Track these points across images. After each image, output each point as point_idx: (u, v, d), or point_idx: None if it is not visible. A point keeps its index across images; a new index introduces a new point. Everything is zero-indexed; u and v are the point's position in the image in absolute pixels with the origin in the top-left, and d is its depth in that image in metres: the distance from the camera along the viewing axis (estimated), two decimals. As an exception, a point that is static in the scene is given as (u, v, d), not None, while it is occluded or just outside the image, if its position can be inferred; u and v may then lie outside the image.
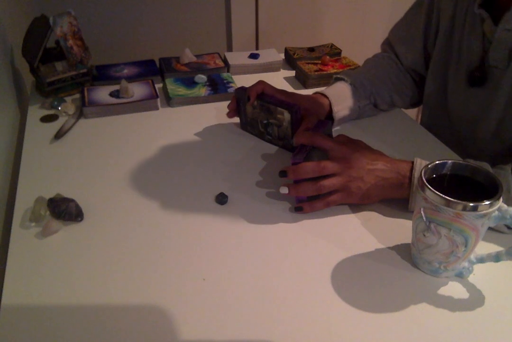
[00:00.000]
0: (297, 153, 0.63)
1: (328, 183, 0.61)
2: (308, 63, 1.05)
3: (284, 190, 0.62)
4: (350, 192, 0.61)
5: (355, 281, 0.53)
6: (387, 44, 0.96)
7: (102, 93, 0.92)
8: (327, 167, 0.60)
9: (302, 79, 1.04)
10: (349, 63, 1.05)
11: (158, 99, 0.91)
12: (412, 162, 0.62)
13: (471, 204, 0.45)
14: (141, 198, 0.66)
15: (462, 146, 0.83)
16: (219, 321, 0.48)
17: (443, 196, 0.46)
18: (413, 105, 0.95)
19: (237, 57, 1.11)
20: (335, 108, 0.82)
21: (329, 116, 0.83)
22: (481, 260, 0.52)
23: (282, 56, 1.17)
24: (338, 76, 0.89)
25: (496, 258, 0.50)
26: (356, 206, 0.64)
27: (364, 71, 0.91)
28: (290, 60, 1.13)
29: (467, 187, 0.51)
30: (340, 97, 0.83)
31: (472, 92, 0.78)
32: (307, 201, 0.63)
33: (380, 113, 0.90)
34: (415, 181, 0.59)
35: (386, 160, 0.63)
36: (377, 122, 0.88)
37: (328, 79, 0.93)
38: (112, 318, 0.48)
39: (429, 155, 0.76)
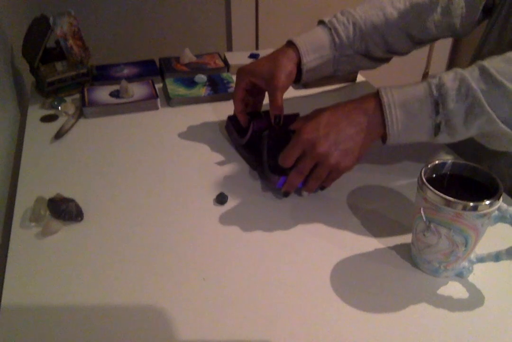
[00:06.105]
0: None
1: (302, 164, 0.61)
2: (308, 63, 1.05)
3: (305, 193, 0.66)
4: (337, 167, 0.60)
5: (355, 280, 0.53)
6: None
7: (102, 93, 0.92)
8: (291, 153, 0.61)
9: (302, 79, 1.03)
10: (349, 63, 1.04)
11: (158, 99, 0.91)
12: (376, 94, 0.59)
13: (471, 204, 0.45)
14: (141, 198, 0.66)
15: None
16: (219, 321, 0.48)
17: (443, 195, 0.46)
18: (420, 43, 0.78)
19: (237, 57, 1.10)
20: (304, 60, 0.73)
21: (299, 70, 0.75)
22: (481, 259, 0.52)
23: (282, 56, 1.16)
24: (322, 19, 0.77)
25: (496, 257, 0.50)
26: (356, 206, 0.64)
27: (360, 7, 0.76)
28: (290, 60, 1.12)
29: (467, 187, 0.51)
30: (313, 45, 0.74)
31: None
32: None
33: (377, 65, 0.80)
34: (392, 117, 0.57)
35: (347, 108, 0.60)
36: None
37: (328, 79, 0.93)
38: (112, 318, 0.49)
39: (429, 155, 0.76)
